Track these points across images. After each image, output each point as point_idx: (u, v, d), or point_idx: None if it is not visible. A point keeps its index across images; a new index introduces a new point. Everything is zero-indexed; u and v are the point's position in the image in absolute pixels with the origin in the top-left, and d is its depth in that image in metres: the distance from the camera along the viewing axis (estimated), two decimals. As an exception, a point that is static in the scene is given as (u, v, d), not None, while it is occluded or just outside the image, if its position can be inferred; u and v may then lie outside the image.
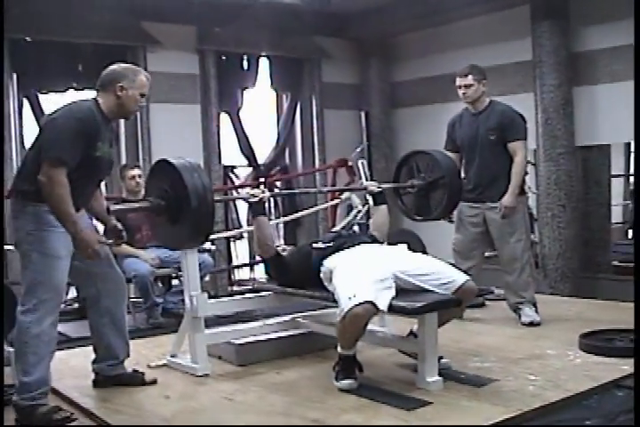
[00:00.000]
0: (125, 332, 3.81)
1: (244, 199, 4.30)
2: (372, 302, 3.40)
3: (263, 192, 4.08)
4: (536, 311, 5.02)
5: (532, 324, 4.92)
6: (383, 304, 3.44)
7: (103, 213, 3.68)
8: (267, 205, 4.16)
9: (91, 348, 3.82)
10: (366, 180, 4.98)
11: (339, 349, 3.63)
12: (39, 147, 3.31)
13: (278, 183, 8.80)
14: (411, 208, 4.81)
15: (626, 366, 3.74)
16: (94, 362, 3.80)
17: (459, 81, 5.05)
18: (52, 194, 3.20)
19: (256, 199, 4.04)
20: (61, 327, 5.47)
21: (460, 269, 3.90)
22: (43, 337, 3.31)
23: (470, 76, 5.00)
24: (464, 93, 5.04)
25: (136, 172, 5.99)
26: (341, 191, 4.88)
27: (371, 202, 4.63)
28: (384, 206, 4.47)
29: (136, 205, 3.67)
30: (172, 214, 3.43)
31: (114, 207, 3.58)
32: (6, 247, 5.54)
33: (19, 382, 3.29)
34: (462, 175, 5.12)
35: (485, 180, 5.08)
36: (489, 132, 5.01)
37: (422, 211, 4.74)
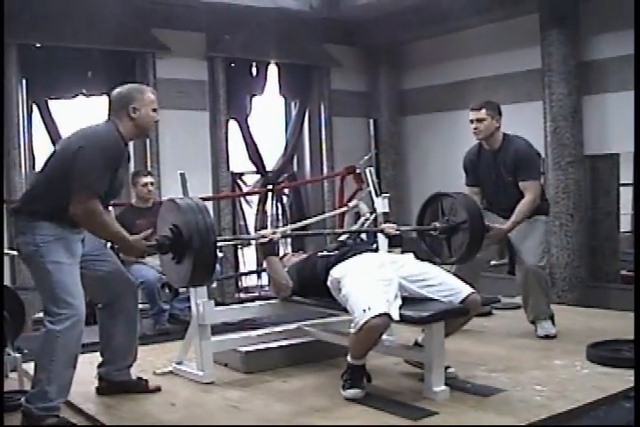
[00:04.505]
0: (136, 335, 3.80)
1: (254, 240, 4.27)
2: (387, 314, 3.39)
3: (274, 233, 4.08)
4: (553, 324, 4.94)
5: (547, 337, 4.81)
6: (395, 314, 3.44)
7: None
8: (276, 242, 4.13)
9: (95, 354, 3.81)
10: (374, 188, 4.89)
11: (348, 358, 3.61)
12: (61, 172, 3.31)
13: (286, 190, 8.81)
14: (433, 250, 4.67)
15: (633, 377, 3.72)
16: (100, 366, 3.79)
17: (471, 115, 4.84)
18: (96, 223, 3.30)
19: (266, 240, 4.03)
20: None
21: (457, 277, 3.88)
22: (71, 347, 3.31)
23: (484, 110, 4.79)
24: (476, 128, 4.83)
25: (148, 179, 6.00)
26: (358, 232, 4.86)
27: (385, 243, 4.43)
28: (398, 250, 4.35)
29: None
30: (176, 254, 3.46)
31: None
32: (6, 251, 5.57)
33: (39, 390, 3.26)
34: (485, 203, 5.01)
35: (510, 210, 4.86)
36: (507, 175, 4.84)
37: (443, 254, 4.60)
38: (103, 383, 3.78)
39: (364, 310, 3.39)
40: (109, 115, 3.55)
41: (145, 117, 3.52)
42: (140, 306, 5.87)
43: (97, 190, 3.27)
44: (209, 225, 3.40)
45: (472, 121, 4.85)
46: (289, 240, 8.80)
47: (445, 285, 3.69)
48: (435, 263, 4.07)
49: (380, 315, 3.37)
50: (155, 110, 3.57)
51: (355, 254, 3.91)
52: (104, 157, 3.30)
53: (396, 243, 4.37)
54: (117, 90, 3.58)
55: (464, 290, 3.67)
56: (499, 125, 4.88)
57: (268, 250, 4.08)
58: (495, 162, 4.91)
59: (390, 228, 4.40)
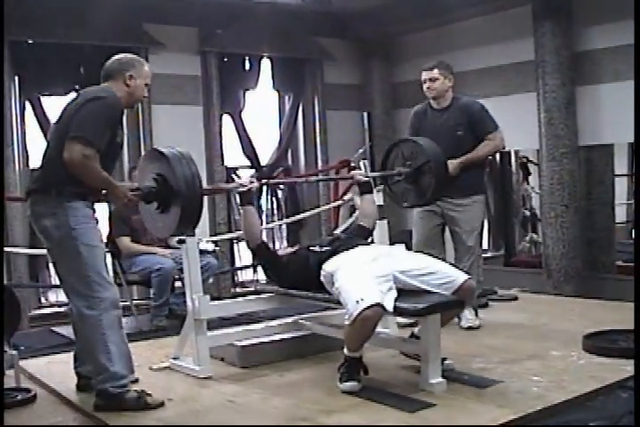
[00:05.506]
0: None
1: (233, 189, 4.42)
2: (380, 304, 3.40)
3: (252, 182, 4.19)
4: (476, 315, 4.94)
5: (470, 328, 4.83)
6: (389, 305, 3.44)
7: None
8: (255, 194, 4.21)
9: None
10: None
11: (345, 351, 3.62)
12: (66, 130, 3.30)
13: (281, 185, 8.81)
14: (401, 196, 4.79)
15: (630, 367, 3.71)
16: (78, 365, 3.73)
17: (424, 75, 4.97)
18: (92, 169, 3.26)
19: (245, 189, 4.14)
20: (63, 330, 5.51)
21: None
22: (116, 325, 3.41)
23: (436, 70, 4.93)
24: (428, 87, 4.96)
25: None
26: (329, 180, 5.02)
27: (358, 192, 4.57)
28: (370, 195, 4.47)
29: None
30: (162, 201, 3.54)
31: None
32: (6, 249, 5.55)
33: (107, 373, 3.35)
34: None
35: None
36: (456, 128, 4.92)
37: (412, 198, 4.73)
38: (82, 381, 3.71)
39: (357, 301, 3.39)
40: (105, 79, 3.55)
41: (138, 88, 3.57)
42: (136, 302, 5.90)
43: (95, 141, 3.25)
44: (194, 171, 3.48)
45: (425, 80, 4.99)
46: (284, 234, 8.81)
47: (440, 273, 3.68)
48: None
49: (372, 305, 3.37)
50: (147, 85, 3.61)
51: (347, 249, 3.91)
52: (107, 112, 3.35)
53: (365, 189, 4.49)
54: (116, 57, 3.61)
55: (459, 277, 3.67)
56: (451, 85, 5.01)
57: (245, 199, 4.20)
58: (444, 118, 5.00)
59: (359, 174, 4.58)
